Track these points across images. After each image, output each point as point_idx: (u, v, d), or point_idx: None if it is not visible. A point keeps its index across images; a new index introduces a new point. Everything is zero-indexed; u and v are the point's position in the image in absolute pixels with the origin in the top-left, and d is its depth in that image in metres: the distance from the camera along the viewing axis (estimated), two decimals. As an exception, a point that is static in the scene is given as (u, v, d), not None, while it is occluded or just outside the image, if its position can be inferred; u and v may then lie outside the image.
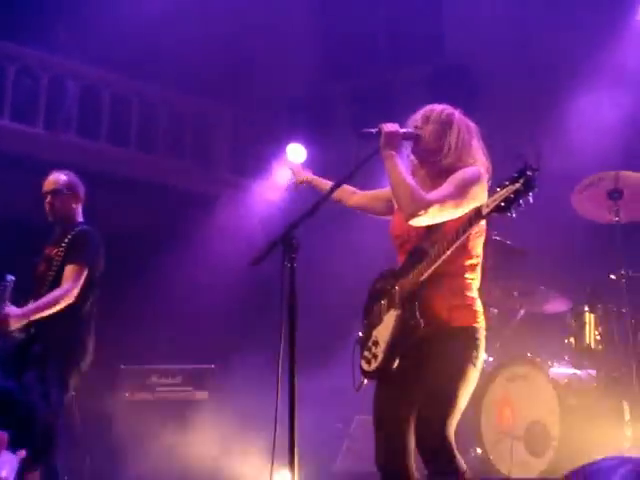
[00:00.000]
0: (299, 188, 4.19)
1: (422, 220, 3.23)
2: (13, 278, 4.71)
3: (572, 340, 5.42)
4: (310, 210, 3.30)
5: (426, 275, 3.22)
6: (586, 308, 5.37)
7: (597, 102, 7.64)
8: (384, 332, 3.37)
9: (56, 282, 4.70)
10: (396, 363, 3.31)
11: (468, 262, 3.35)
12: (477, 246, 3.39)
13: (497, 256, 5.89)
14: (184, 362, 7.16)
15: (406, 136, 3.41)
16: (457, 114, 3.47)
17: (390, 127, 3.37)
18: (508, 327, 6.04)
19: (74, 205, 5.03)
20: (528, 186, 2.86)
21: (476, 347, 3.28)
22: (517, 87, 9.44)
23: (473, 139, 3.46)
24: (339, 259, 8.43)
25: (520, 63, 9.51)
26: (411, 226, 3.31)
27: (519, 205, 2.88)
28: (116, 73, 10.53)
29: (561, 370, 5.36)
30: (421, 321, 3.23)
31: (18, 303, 4.69)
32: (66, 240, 4.81)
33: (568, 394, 5.14)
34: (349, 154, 3.55)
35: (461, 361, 3.23)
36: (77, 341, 4.77)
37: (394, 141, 3.35)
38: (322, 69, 11.94)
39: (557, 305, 5.95)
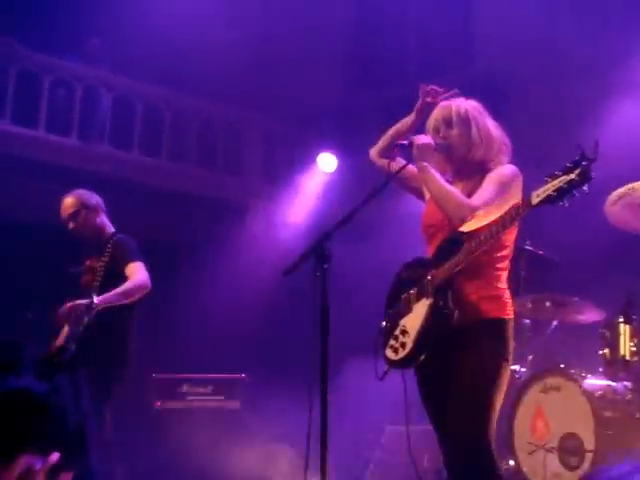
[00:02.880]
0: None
1: (471, 224, 3.24)
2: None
3: (606, 351, 5.35)
4: (343, 220, 3.31)
5: (462, 266, 3.21)
6: (621, 319, 5.30)
7: (628, 110, 7.57)
8: (414, 321, 3.35)
9: (103, 291, 4.74)
10: (425, 353, 3.30)
11: (500, 253, 3.35)
12: (510, 238, 3.39)
13: (530, 266, 5.86)
14: (215, 371, 7.18)
15: (438, 147, 3.43)
16: (467, 104, 3.49)
17: (422, 139, 3.39)
18: (541, 338, 5.98)
19: (97, 217, 5.11)
20: (584, 177, 2.80)
21: (506, 340, 3.27)
22: (546, 97, 9.39)
23: (487, 120, 3.48)
24: (373, 271, 8.41)
25: (549, 73, 9.46)
26: (444, 215, 3.32)
27: (573, 196, 2.83)
28: (147, 83, 10.61)
29: (595, 382, 5.30)
30: (455, 311, 3.22)
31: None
32: (107, 250, 4.92)
33: (602, 406, 5.07)
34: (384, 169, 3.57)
35: (493, 359, 3.22)
36: (123, 350, 4.86)
37: (427, 152, 3.36)
38: (353, 78, 11.96)
39: (591, 316, 5.88)
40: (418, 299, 3.37)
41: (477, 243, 3.17)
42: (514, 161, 3.49)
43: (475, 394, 3.18)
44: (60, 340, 4.84)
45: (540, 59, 9.54)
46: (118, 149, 10.18)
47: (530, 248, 5.81)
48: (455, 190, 3.31)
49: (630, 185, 5.32)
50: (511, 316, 3.33)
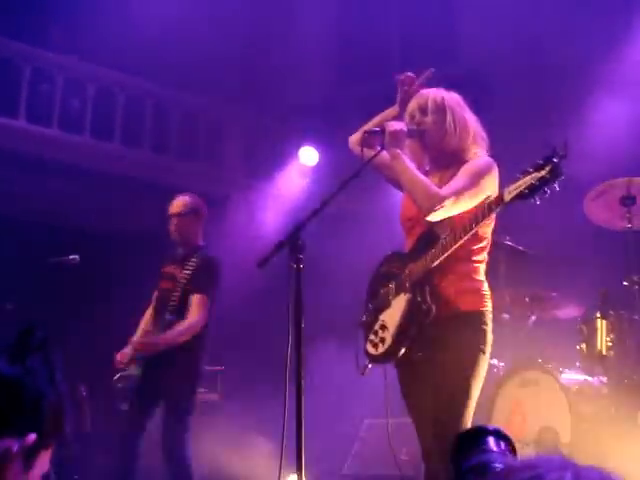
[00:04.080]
0: None
1: (438, 214, 3.24)
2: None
3: (584, 346, 5.41)
4: (317, 210, 3.29)
5: (439, 261, 3.21)
6: (598, 314, 5.35)
7: (609, 108, 7.63)
8: (393, 316, 3.35)
9: (182, 303, 4.87)
10: (405, 347, 3.30)
11: (477, 246, 3.35)
12: (487, 231, 3.39)
13: (509, 261, 5.90)
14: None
15: (410, 133, 3.41)
16: (445, 94, 3.47)
17: (394, 126, 3.36)
18: (519, 333, 6.03)
19: (197, 227, 5.18)
20: (554, 174, 2.82)
21: (484, 333, 3.28)
22: (529, 94, 9.43)
23: (465, 112, 3.46)
24: (352, 260, 8.43)
25: (533, 70, 9.52)
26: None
27: (544, 193, 2.85)
28: (130, 75, 10.56)
29: (572, 376, 5.35)
30: (433, 306, 3.23)
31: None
32: (192, 263, 4.98)
33: (579, 400, 5.13)
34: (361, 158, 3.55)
35: (471, 352, 3.24)
36: (197, 369, 4.97)
37: (399, 139, 3.35)
38: (335, 73, 11.97)
39: (569, 311, 5.94)
40: (397, 294, 3.37)
41: (452, 238, 3.17)
42: (496, 158, 3.50)
43: (453, 387, 3.20)
44: (126, 362, 4.93)
45: (523, 58, 9.60)
46: (99, 140, 10.13)
47: (510, 243, 5.85)
48: (425, 179, 3.29)
49: (608, 182, 5.38)
50: (489, 308, 3.33)
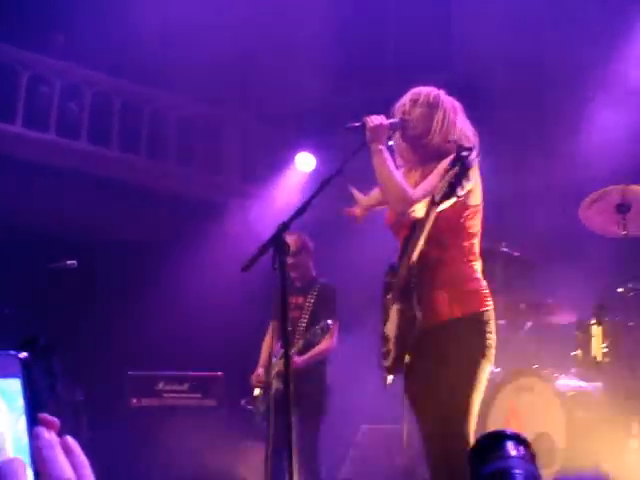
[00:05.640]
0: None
1: (412, 216, 3.22)
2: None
3: (579, 353, 5.43)
4: (299, 210, 3.27)
5: (412, 264, 3.15)
6: (593, 321, 5.37)
7: (605, 115, 7.67)
8: (391, 327, 3.33)
9: (310, 327, 5.35)
10: (406, 358, 3.27)
11: (467, 243, 3.30)
12: (475, 225, 3.34)
13: (505, 268, 5.91)
14: (193, 369, 7.18)
15: (393, 126, 3.38)
16: (443, 95, 3.45)
17: (375, 120, 3.32)
18: (515, 339, 6.05)
19: (309, 261, 5.61)
20: (464, 165, 2.93)
21: (485, 335, 3.23)
22: (525, 101, 9.47)
23: (459, 117, 3.43)
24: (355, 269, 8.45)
25: (528, 78, 9.55)
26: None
27: (462, 187, 2.94)
28: (126, 80, 10.58)
29: (567, 382, 5.38)
30: (419, 313, 3.16)
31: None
32: (314, 292, 5.48)
33: (574, 406, 5.15)
34: (358, 164, 3.56)
35: (472, 357, 3.20)
36: (326, 387, 5.52)
37: (380, 134, 3.31)
38: (332, 79, 12.00)
39: (564, 317, 5.96)
40: (392, 304, 3.34)
41: (412, 242, 3.14)
42: (492, 161, 3.51)
43: (454, 394, 3.19)
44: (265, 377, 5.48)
45: (519, 62, 9.63)
46: (95, 145, 10.14)
47: (505, 250, 5.87)
48: (401, 181, 3.26)
49: (604, 189, 5.40)
50: (489, 308, 3.27)
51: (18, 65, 9.79)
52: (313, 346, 5.39)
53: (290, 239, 5.39)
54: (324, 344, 5.40)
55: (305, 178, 9.40)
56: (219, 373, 7.08)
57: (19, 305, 5.60)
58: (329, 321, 5.22)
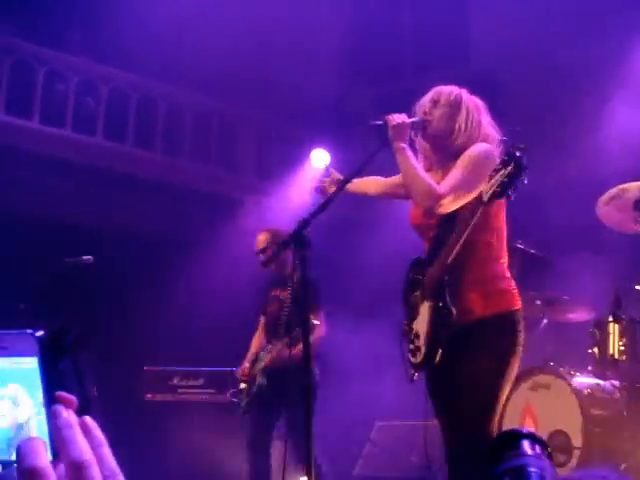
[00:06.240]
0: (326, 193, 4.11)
1: (440, 211, 3.22)
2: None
3: (596, 350, 5.39)
4: (321, 206, 3.28)
5: (449, 263, 3.15)
6: (610, 318, 5.34)
7: (623, 111, 7.61)
8: (422, 324, 3.30)
9: (290, 321, 5.23)
10: (438, 356, 3.24)
11: (496, 240, 3.28)
12: (501, 220, 3.32)
13: (521, 264, 5.88)
14: (207, 365, 7.19)
15: (415, 125, 3.37)
16: (465, 94, 3.43)
17: (397, 118, 3.30)
18: (530, 336, 6.01)
19: (288, 254, 5.37)
20: (519, 167, 2.88)
21: (515, 334, 3.23)
22: (541, 95, 9.41)
23: (482, 117, 3.41)
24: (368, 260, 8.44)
25: (545, 71, 9.49)
26: (430, 213, 3.29)
27: (515, 187, 2.90)
28: (143, 76, 10.60)
29: (584, 380, 5.34)
30: (453, 310, 3.17)
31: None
32: (295, 285, 5.21)
33: (591, 404, 5.11)
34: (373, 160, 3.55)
35: (502, 355, 3.19)
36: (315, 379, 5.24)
37: (402, 132, 3.29)
38: (348, 74, 11.97)
39: (581, 314, 5.92)
40: (422, 301, 3.32)
41: (452, 240, 3.13)
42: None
43: (482, 393, 3.17)
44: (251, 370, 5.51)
45: (535, 57, 9.57)
46: (111, 141, 10.16)
47: (522, 247, 5.84)
48: (426, 177, 3.24)
49: (622, 186, 5.36)
50: (518, 307, 3.27)
51: (35, 61, 9.83)
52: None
53: (259, 238, 5.56)
54: (317, 334, 5.26)
55: (320, 174, 9.38)
56: (234, 369, 7.09)
57: (34, 301, 5.61)
58: (315, 322, 5.15)
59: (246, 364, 5.65)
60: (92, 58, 10.27)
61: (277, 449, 6.31)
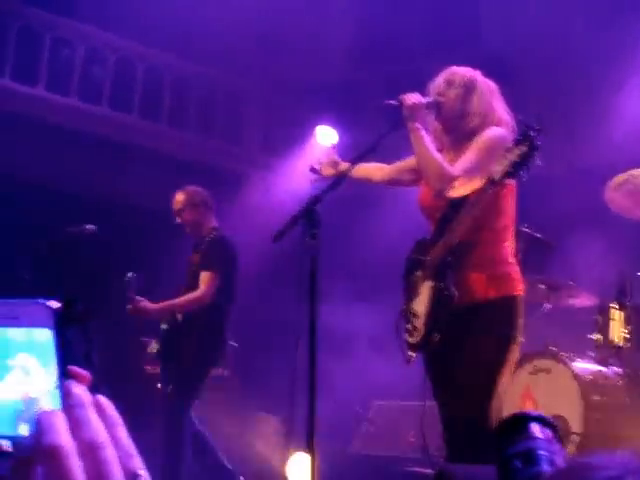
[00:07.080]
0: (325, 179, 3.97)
1: (450, 194, 3.20)
2: (134, 275, 5.20)
3: (598, 336, 5.37)
4: (332, 184, 3.27)
5: (454, 245, 3.15)
6: (614, 305, 5.31)
7: (634, 97, 7.55)
8: (422, 304, 3.30)
9: (191, 285, 5.15)
10: (437, 336, 3.24)
11: (501, 223, 3.27)
12: (509, 204, 3.31)
13: (526, 248, 5.85)
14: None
15: (429, 105, 3.35)
16: (479, 76, 3.41)
17: (412, 98, 3.28)
18: (533, 320, 5.99)
19: (202, 215, 5.36)
20: (532, 147, 2.86)
21: (514, 319, 3.22)
22: (552, 79, 9.34)
23: (495, 100, 3.40)
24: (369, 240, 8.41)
25: (556, 55, 9.41)
26: (440, 195, 3.27)
27: (527, 168, 2.88)
28: (150, 47, 10.53)
29: (586, 366, 5.32)
30: (455, 292, 3.16)
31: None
32: (202, 247, 5.22)
33: (592, 390, 5.09)
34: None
35: (501, 343, 3.19)
36: (216, 337, 5.23)
37: (417, 113, 3.27)
38: (355, 53, 11.88)
39: (584, 300, 5.89)
40: (423, 281, 3.32)
41: (459, 220, 3.13)
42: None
43: (481, 377, 3.17)
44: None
45: (547, 40, 9.49)
46: (117, 111, 10.11)
47: (527, 230, 5.81)
48: (439, 158, 3.23)
49: (630, 172, 5.32)
50: (520, 293, 3.27)
51: (41, 27, 9.75)
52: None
53: (175, 199, 5.39)
54: (191, 294, 5.13)
55: (325, 151, 9.33)
56: (234, 343, 7.08)
57: (37, 270, 5.59)
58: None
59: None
60: (99, 26, 10.19)
61: (267, 423, 6.32)
